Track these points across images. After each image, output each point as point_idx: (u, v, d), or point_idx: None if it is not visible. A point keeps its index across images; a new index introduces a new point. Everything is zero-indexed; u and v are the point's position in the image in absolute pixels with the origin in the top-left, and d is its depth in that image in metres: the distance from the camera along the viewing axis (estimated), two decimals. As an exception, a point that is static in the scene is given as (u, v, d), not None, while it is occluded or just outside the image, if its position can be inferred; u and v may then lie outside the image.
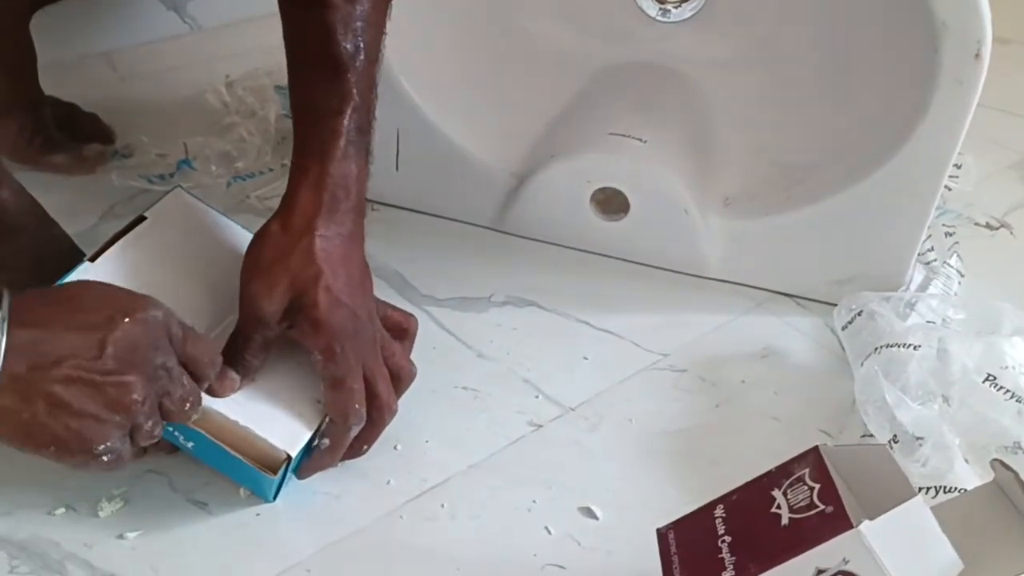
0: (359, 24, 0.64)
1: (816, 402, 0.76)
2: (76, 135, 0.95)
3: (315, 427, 0.63)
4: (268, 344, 0.62)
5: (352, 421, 0.63)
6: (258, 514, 0.64)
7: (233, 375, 0.62)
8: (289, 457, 0.60)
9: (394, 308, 0.70)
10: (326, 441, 0.64)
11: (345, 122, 0.64)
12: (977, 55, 0.71)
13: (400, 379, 0.67)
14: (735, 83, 0.90)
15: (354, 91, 0.64)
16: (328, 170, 0.63)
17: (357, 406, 0.62)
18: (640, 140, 0.84)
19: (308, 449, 0.63)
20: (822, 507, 0.51)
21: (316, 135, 0.64)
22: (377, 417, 0.65)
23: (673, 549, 0.56)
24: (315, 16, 0.64)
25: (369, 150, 0.66)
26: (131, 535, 0.61)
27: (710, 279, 0.87)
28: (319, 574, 0.61)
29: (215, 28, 1.26)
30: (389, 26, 0.70)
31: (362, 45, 0.64)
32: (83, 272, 0.63)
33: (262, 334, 0.62)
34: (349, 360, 0.62)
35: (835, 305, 0.81)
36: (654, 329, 0.82)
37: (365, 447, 0.66)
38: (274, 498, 0.64)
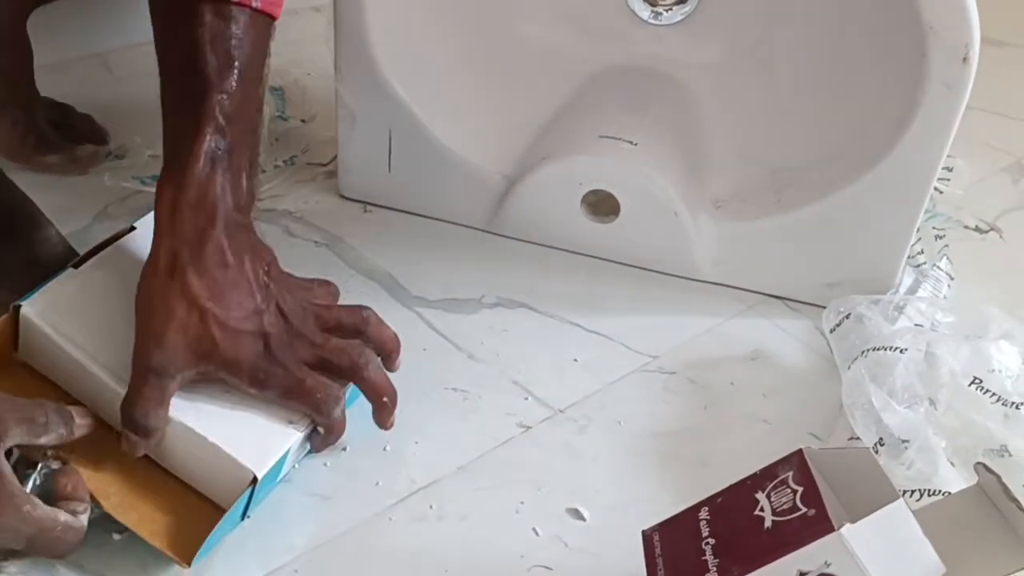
0: (232, 42, 0.61)
1: (805, 405, 0.76)
2: (70, 135, 0.95)
3: (287, 445, 0.62)
4: (168, 400, 0.59)
5: (327, 410, 0.62)
6: (249, 515, 0.64)
7: (135, 440, 0.59)
8: (255, 479, 0.59)
9: (341, 308, 0.68)
10: (321, 430, 0.64)
11: (205, 143, 0.60)
12: (965, 59, 0.71)
13: (360, 331, 0.66)
14: (726, 86, 0.90)
15: (216, 111, 0.60)
16: (185, 195, 0.59)
17: (320, 396, 0.61)
18: (631, 143, 0.84)
19: (278, 469, 0.62)
20: (804, 510, 0.51)
21: (175, 155, 0.61)
22: (361, 383, 0.64)
23: (658, 551, 0.56)
24: (185, 30, 0.61)
25: (246, 170, 0.62)
26: (119, 536, 0.62)
27: (700, 281, 0.87)
28: (307, 575, 0.61)
29: (210, 29, 1.26)
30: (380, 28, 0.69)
31: (235, 64, 0.61)
32: (66, 278, 0.63)
33: (162, 389, 0.59)
34: (279, 375, 0.60)
35: (825, 308, 0.81)
36: (644, 331, 0.82)
37: (387, 420, 0.67)
38: (241, 518, 0.62)
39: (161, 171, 0.62)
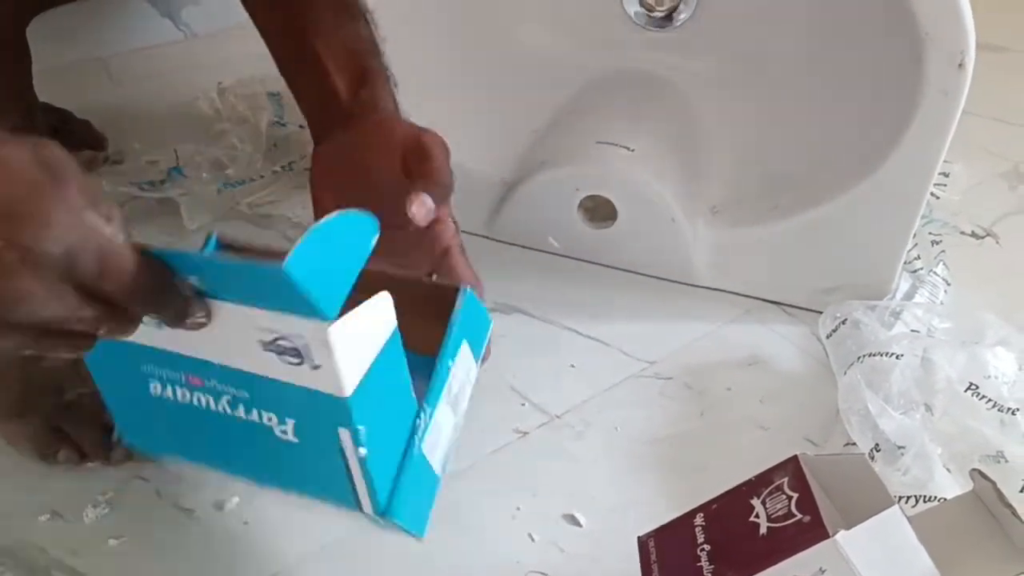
0: None
1: (802, 410, 0.76)
2: (68, 141, 0.95)
3: None
4: None
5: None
6: (246, 522, 0.64)
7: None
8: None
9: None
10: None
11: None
12: (961, 65, 0.71)
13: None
14: (723, 92, 0.90)
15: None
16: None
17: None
18: (628, 148, 0.84)
19: None
20: (799, 516, 0.51)
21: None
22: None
23: (653, 557, 0.56)
24: None
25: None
26: (116, 541, 0.62)
27: (698, 287, 0.87)
28: (302, 581, 0.61)
29: (209, 35, 1.27)
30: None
31: None
32: None
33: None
34: None
35: (822, 313, 0.81)
36: (641, 336, 0.82)
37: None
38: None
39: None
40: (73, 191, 0.39)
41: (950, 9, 0.71)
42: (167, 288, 0.43)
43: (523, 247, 0.90)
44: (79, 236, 0.39)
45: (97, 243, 0.39)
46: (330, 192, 0.64)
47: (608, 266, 0.89)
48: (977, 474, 0.54)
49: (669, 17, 0.90)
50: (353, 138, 0.64)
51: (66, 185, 0.40)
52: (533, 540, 0.65)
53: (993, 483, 0.53)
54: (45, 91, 0.97)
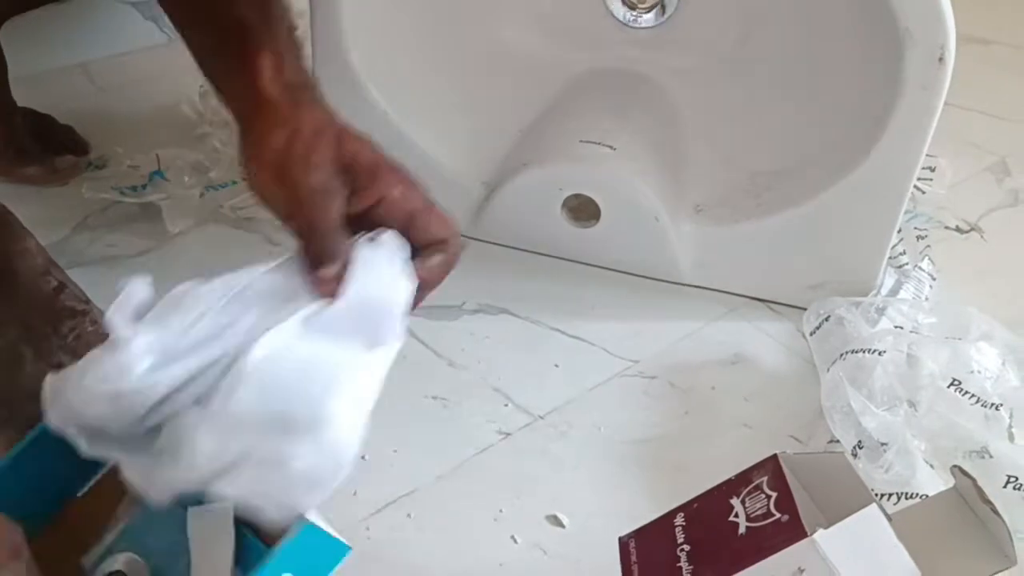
0: None
1: (786, 408, 0.76)
2: (50, 146, 0.95)
3: None
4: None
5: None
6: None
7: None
8: None
9: None
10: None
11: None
12: (941, 59, 0.71)
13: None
14: (705, 91, 0.90)
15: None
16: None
17: None
18: (611, 147, 0.84)
19: None
20: (778, 516, 0.51)
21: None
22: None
23: (634, 558, 0.56)
24: None
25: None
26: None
27: (682, 285, 0.87)
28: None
29: (193, 38, 1.26)
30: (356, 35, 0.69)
31: None
32: None
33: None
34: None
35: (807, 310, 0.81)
36: (625, 336, 0.82)
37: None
38: None
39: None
40: None
41: (929, 5, 0.70)
42: None
43: (507, 246, 0.90)
44: None
45: None
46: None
47: (592, 265, 0.89)
48: (958, 471, 0.54)
49: (651, 15, 0.90)
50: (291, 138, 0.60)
51: None
52: (516, 542, 0.64)
53: (973, 480, 0.53)
54: (27, 96, 0.96)
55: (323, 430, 0.47)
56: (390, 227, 0.56)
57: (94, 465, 0.54)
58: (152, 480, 0.48)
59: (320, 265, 0.55)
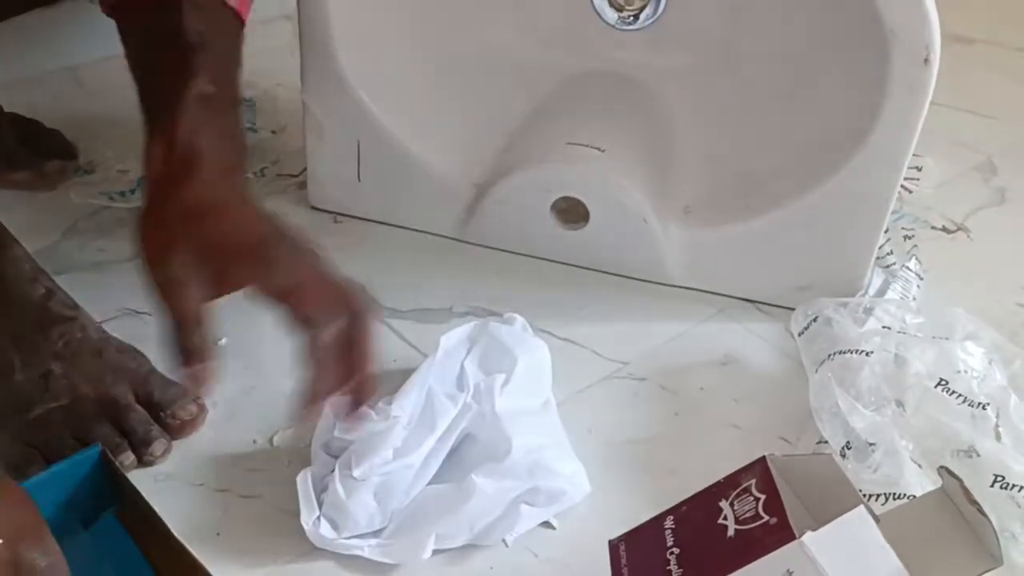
0: (210, 28, 0.63)
1: (776, 409, 0.76)
2: (38, 151, 0.95)
3: None
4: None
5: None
6: (218, 532, 0.64)
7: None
8: None
9: None
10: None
11: (194, 88, 0.60)
12: (926, 60, 0.72)
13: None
14: (693, 91, 0.90)
15: (202, 65, 0.61)
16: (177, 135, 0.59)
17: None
18: (599, 149, 0.84)
19: None
20: (767, 518, 0.51)
21: (162, 106, 0.61)
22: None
23: (623, 561, 0.56)
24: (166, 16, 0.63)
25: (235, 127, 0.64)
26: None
27: (671, 286, 0.87)
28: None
29: (181, 41, 1.25)
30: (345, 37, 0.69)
31: (215, 43, 0.63)
32: None
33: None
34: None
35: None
36: (614, 337, 0.82)
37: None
38: None
39: (147, 128, 0.61)
40: None
41: (915, 5, 0.71)
42: None
43: (496, 249, 0.90)
44: None
45: None
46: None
47: (581, 267, 0.89)
48: (945, 471, 0.54)
49: (639, 16, 0.90)
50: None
51: None
52: (506, 545, 0.65)
53: (960, 480, 0.53)
54: (14, 101, 0.96)
55: None
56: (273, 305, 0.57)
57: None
58: None
59: (186, 363, 0.55)
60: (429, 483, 0.65)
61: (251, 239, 0.58)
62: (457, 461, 0.66)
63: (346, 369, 0.59)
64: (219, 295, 0.57)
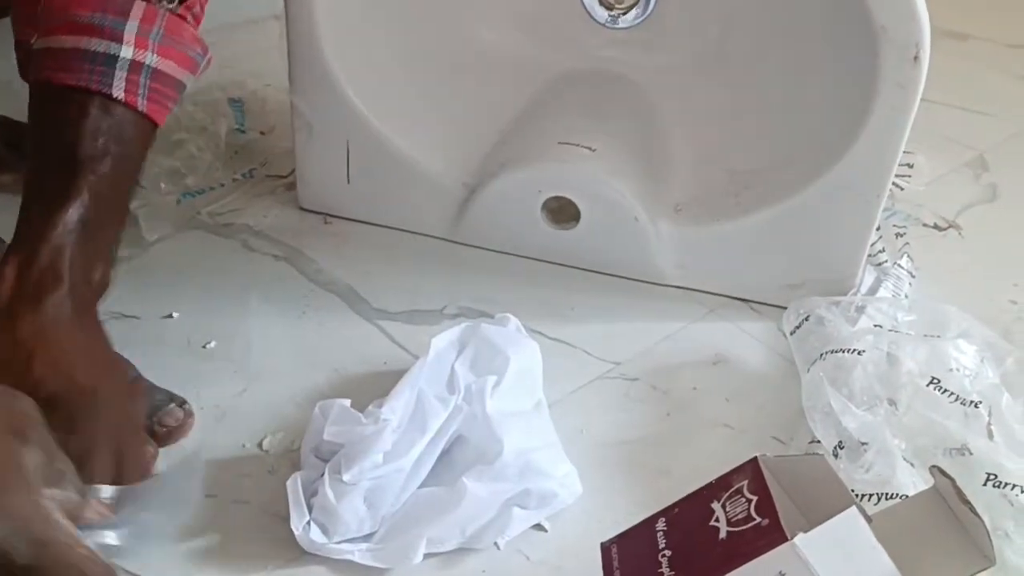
0: (113, 137, 0.61)
1: (768, 408, 0.76)
2: (25, 154, 0.94)
3: None
4: None
5: None
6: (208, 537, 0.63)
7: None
8: None
9: None
10: None
11: (66, 214, 0.60)
12: (916, 57, 0.71)
13: None
14: (683, 90, 0.90)
15: (85, 188, 0.60)
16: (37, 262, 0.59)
17: None
18: (590, 148, 0.84)
19: None
20: (758, 520, 0.51)
21: (30, 226, 0.61)
22: None
23: (615, 564, 0.56)
24: (67, 118, 0.61)
25: (103, 257, 0.63)
26: None
27: (663, 285, 0.87)
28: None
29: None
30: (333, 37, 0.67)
31: (111, 157, 0.61)
32: None
33: None
34: None
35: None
36: (606, 337, 0.82)
37: None
38: None
39: (13, 240, 0.61)
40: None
41: (904, 3, 0.71)
42: None
43: (487, 249, 0.90)
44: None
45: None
46: None
47: (573, 267, 0.89)
48: (937, 471, 0.54)
49: (630, 16, 0.90)
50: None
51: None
52: (498, 548, 0.64)
53: (952, 480, 0.53)
54: (1, 104, 0.95)
55: None
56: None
57: None
58: None
59: None
60: (420, 486, 0.64)
61: (61, 392, 0.57)
62: (448, 463, 0.66)
63: None
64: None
